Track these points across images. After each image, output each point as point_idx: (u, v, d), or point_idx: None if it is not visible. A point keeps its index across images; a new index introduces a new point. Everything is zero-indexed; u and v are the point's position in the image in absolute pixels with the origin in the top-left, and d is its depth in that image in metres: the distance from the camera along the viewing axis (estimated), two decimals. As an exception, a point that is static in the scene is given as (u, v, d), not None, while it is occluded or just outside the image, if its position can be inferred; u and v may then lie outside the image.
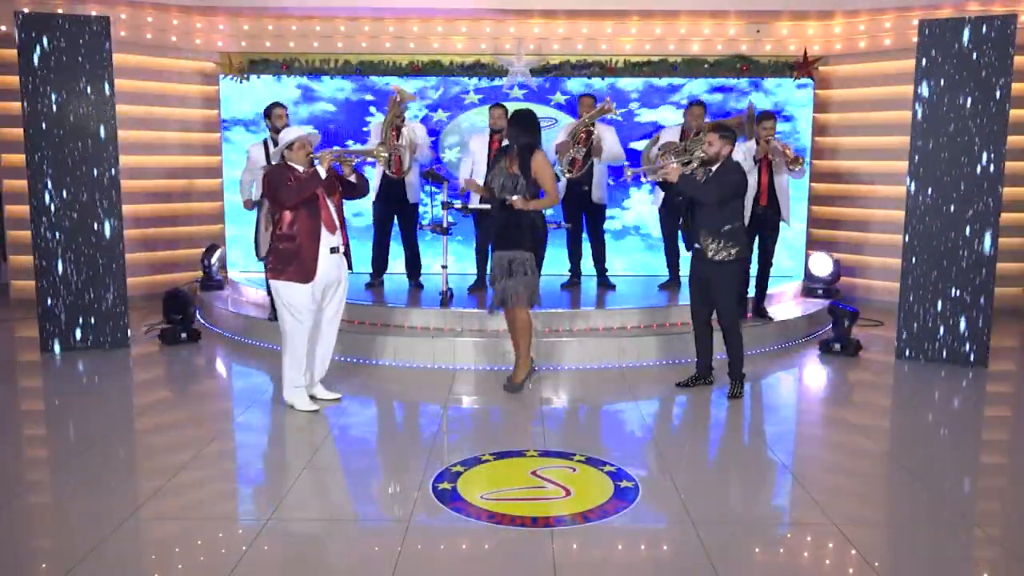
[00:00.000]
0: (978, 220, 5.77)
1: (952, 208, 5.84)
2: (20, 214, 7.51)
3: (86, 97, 6.04)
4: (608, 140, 6.84)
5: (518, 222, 5.01)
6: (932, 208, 5.90)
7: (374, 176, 6.76)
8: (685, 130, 6.71)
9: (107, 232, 6.17)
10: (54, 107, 5.98)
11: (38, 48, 5.91)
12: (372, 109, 7.97)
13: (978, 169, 5.74)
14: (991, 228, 5.76)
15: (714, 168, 4.99)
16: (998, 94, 5.65)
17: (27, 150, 5.98)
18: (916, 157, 5.93)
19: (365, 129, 7.84)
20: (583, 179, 6.81)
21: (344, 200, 4.92)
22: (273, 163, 4.88)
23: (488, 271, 5.17)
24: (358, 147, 4.85)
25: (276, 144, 6.31)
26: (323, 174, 4.65)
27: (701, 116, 6.67)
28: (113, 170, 6.15)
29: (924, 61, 5.86)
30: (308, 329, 4.74)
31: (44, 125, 5.97)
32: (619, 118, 7.67)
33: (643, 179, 5.31)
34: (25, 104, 5.95)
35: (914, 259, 5.99)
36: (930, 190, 5.89)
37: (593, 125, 6.73)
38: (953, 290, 5.89)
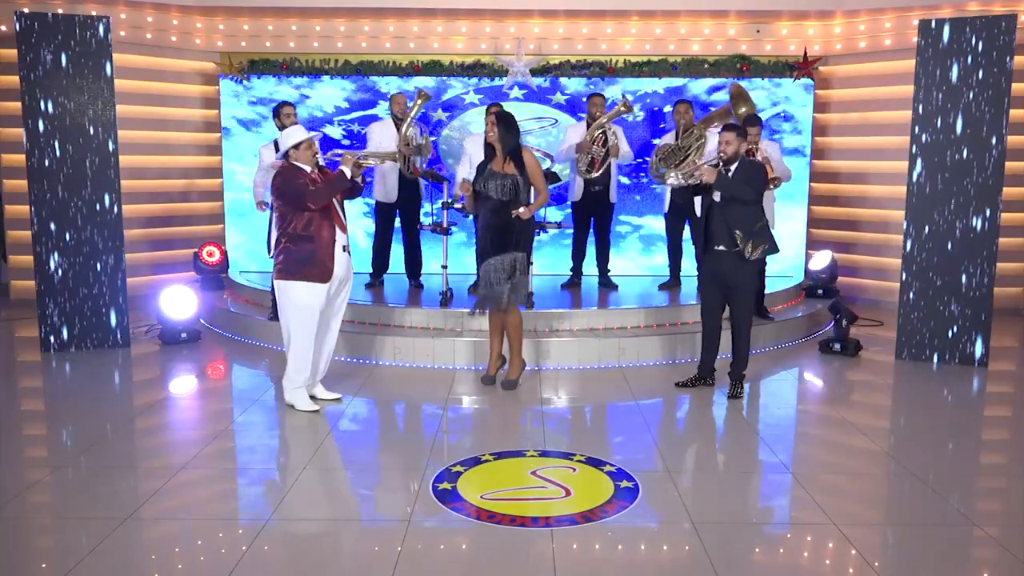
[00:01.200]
0: (979, 220, 5.77)
1: (953, 207, 5.83)
2: (20, 214, 7.52)
3: (86, 97, 6.04)
4: (619, 139, 6.87)
5: (520, 225, 5.07)
6: (933, 206, 5.89)
7: (387, 176, 6.78)
8: (676, 131, 6.79)
9: (107, 231, 6.16)
10: (54, 107, 5.98)
11: (38, 48, 5.91)
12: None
13: (978, 173, 5.75)
14: (992, 227, 5.76)
15: (733, 167, 4.96)
16: (992, 119, 5.66)
17: (27, 150, 5.98)
18: (916, 146, 5.91)
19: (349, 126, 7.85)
20: (600, 179, 6.82)
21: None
22: (277, 161, 4.88)
23: (486, 272, 5.14)
24: (377, 152, 4.86)
25: None
26: (349, 175, 4.68)
27: (687, 113, 6.77)
28: (113, 169, 6.15)
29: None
30: (315, 329, 4.75)
31: (44, 125, 5.97)
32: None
33: (683, 182, 5.13)
34: (25, 104, 5.95)
35: (914, 258, 5.99)
36: (931, 186, 5.89)
37: (609, 125, 6.76)
38: (953, 289, 5.89)
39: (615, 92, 7.81)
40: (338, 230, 4.72)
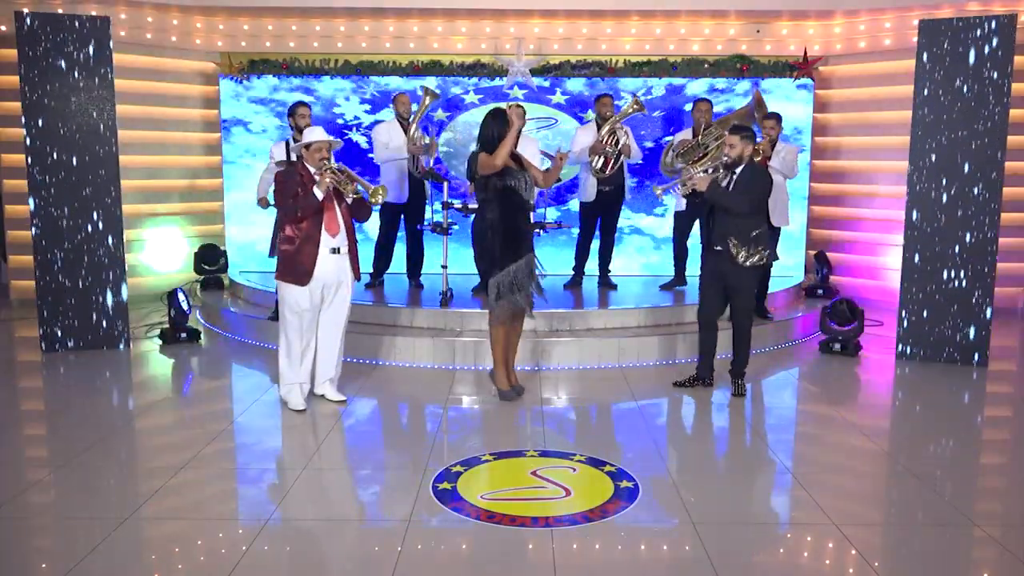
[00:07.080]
0: (980, 220, 5.77)
1: (953, 207, 5.83)
2: (20, 214, 7.52)
3: (86, 96, 6.04)
4: (629, 139, 6.87)
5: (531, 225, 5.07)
6: (933, 206, 5.89)
7: (401, 178, 6.75)
8: (694, 128, 6.78)
9: (107, 231, 6.15)
10: (54, 107, 5.98)
11: (38, 48, 5.91)
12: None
13: (978, 173, 5.75)
14: (992, 228, 5.76)
15: (738, 171, 4.93)
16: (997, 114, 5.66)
17: (27, 150, 5.98)
18: (915, 146, 5.91)
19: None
20: (612, 179, 6.82)
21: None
22: (293, 157, 4.90)
23: (516, 276, 4.84)
24: (365, 181, 4.82)
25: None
26: (320, 196, 4.64)
27: (708, 111, 6.77)
28: (112, 169, 6.15)
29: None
30: (302, 327, 4.77)
31: (44, 125, 5.97)
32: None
33: (672, 192, 5.25)
34: (25, 104, 5.95)
35: (914, 258, 5.99)
36: (931, 186, 5.89)
37: (620, 125, 6.77)
38: (953, 289, 5.89)
39: (625, 90, 7.82)
40: (326, 233, 4.69)
